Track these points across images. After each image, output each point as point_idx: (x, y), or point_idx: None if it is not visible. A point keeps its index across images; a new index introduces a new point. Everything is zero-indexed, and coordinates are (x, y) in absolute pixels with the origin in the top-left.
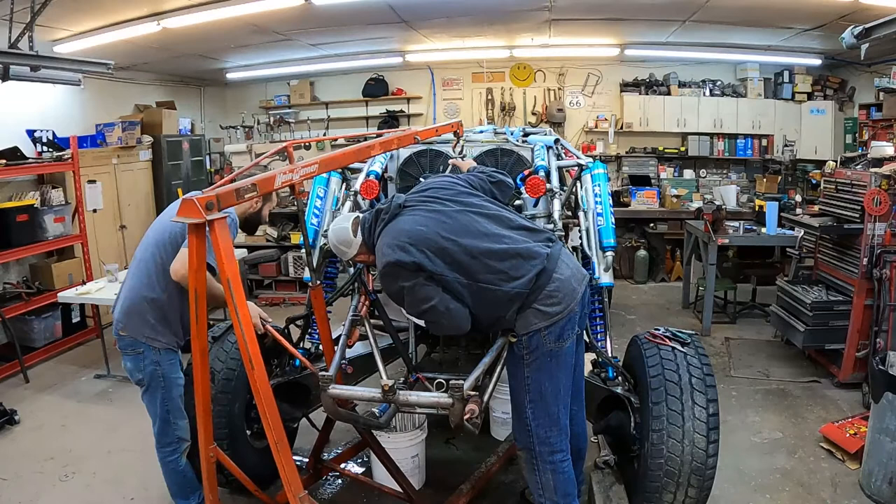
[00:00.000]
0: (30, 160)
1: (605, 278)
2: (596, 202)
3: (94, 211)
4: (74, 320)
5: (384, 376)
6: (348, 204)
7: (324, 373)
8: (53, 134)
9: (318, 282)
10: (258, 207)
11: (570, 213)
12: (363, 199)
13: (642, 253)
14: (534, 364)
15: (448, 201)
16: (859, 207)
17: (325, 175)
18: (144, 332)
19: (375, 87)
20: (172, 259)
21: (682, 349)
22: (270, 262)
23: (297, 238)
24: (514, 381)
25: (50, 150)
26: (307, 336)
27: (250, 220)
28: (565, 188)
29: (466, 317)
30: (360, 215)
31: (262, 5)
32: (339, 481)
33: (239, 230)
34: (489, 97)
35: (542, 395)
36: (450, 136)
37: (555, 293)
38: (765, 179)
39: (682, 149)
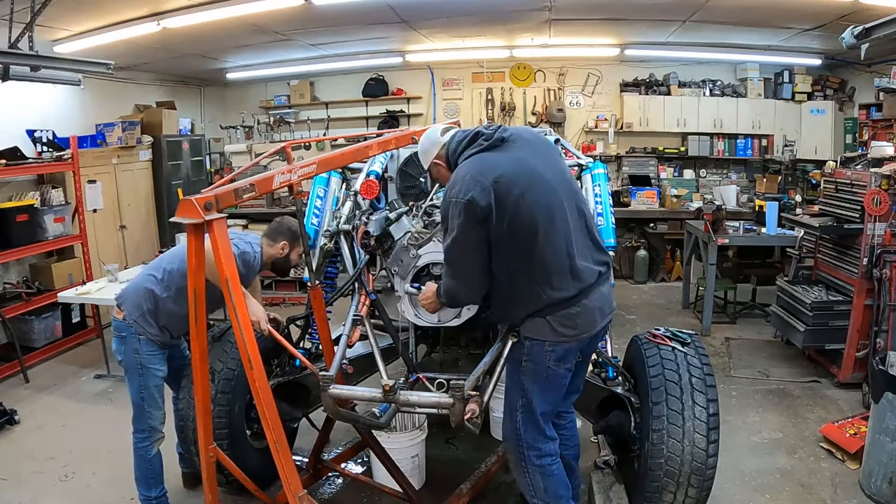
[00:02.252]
0: (30, 160)
1: None
2: (596, 202)
3: (94, 211)
4: (74, 320)
5: (384, 376)
6: (349, 204)
7: (324, 373)
8: (53, 134)
9: (318, 282)
10: (285, 253)
11: None
12: (363, 199)
13: (642, 253)
14: (530, 374)
15: (549, 166)
16: (859, 207)
17: (325, 175)
18: (134, 316)
19: (375, 87)
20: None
21: (682, 349)
22: None
23: None
24: (510, 382)
25: (50, 150)
26: (307, 336)
27: (278, 265)
28: None
29: (483, 290)
30: (457, 129)
31: (262, 5)
32: (339, 481)
33: (267, 272)
34: (489, 97)
35: (532, 405)
36: None
37: (574, 317)
38: (765, 179)
39: (682, 149)
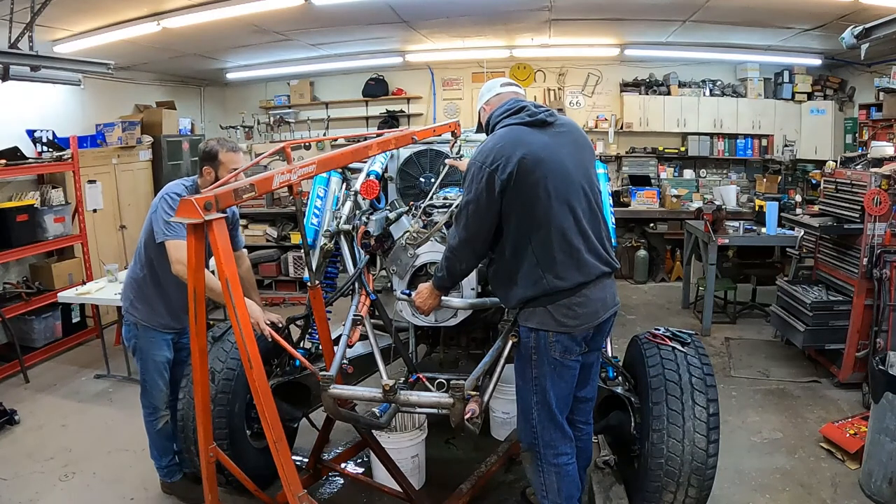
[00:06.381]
0: (30, 160)
1: None
2: None
3: (94, 211)
4: (74, 320)
5: (384, 376)
6: (349, 204)
7: (324, 373)
8: (53, 134)
9: (317, 282)
10: (213, 177)
11: None
12: (363, 199)
13: (642, 253)
14: (540, 367)
15: (577, 162)
16: (859, 207)
17: (325, 175)
18: (125, 305)
19: (375, 87)
20: (150, 240)
21: (682, 349)
22: (270, 262)
23: (297, 238)
24: (521, 381)
25: (50, 150)
26: (307, 336)
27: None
28: None
29: (479, 258)
30: (519, 90)
31: (262, 5)
32: (339, 481)
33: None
34: None
35: (547, 400)
36: (450, 135)
37: (576, 307)
38: (765, 179)
39: (682, 149)
